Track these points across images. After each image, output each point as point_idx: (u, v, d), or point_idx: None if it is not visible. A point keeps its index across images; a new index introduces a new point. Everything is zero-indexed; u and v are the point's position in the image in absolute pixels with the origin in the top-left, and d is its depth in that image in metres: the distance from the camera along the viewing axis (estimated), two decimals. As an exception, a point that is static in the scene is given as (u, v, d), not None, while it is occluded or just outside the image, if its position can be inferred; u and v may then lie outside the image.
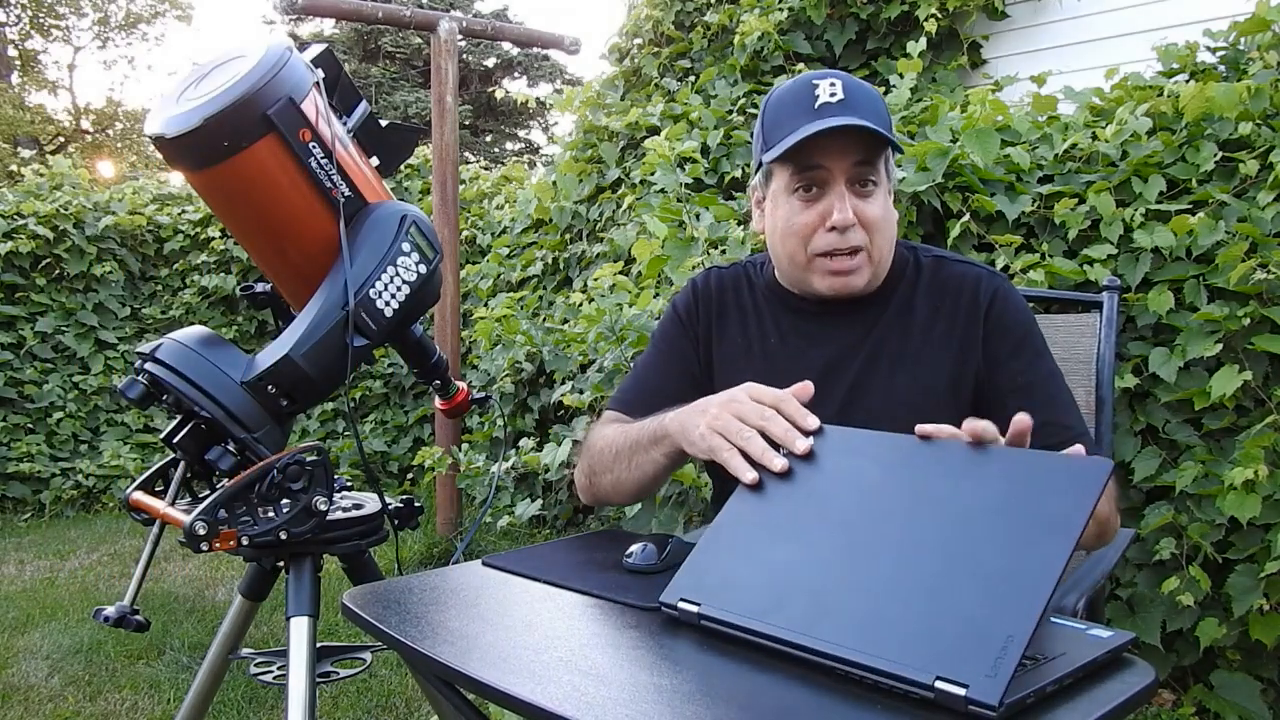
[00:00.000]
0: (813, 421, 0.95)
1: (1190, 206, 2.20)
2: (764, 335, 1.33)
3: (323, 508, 1.28)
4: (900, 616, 0.80)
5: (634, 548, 1.10)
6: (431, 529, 4.05)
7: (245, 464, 1.26)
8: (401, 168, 4.47)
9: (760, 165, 1.28)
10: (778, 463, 0.94)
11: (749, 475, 0.95)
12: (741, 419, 1.00)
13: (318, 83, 1.30)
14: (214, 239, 5.59)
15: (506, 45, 16.75)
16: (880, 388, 1.26)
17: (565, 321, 3.54)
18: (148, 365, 1.27)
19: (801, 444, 0.94)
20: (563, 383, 3.10)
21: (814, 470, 0.95)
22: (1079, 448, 0.89)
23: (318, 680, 1.36)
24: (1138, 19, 3.91)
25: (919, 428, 0.92)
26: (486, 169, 6.57)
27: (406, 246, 1.34)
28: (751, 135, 1.36)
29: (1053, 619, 0.89)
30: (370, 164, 1.41)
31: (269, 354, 1.27)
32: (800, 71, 3.75)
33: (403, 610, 0.97)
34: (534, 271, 4.25)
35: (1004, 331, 1.25)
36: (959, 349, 1.25)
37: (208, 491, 1.33)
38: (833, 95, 1.19)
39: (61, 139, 19.65)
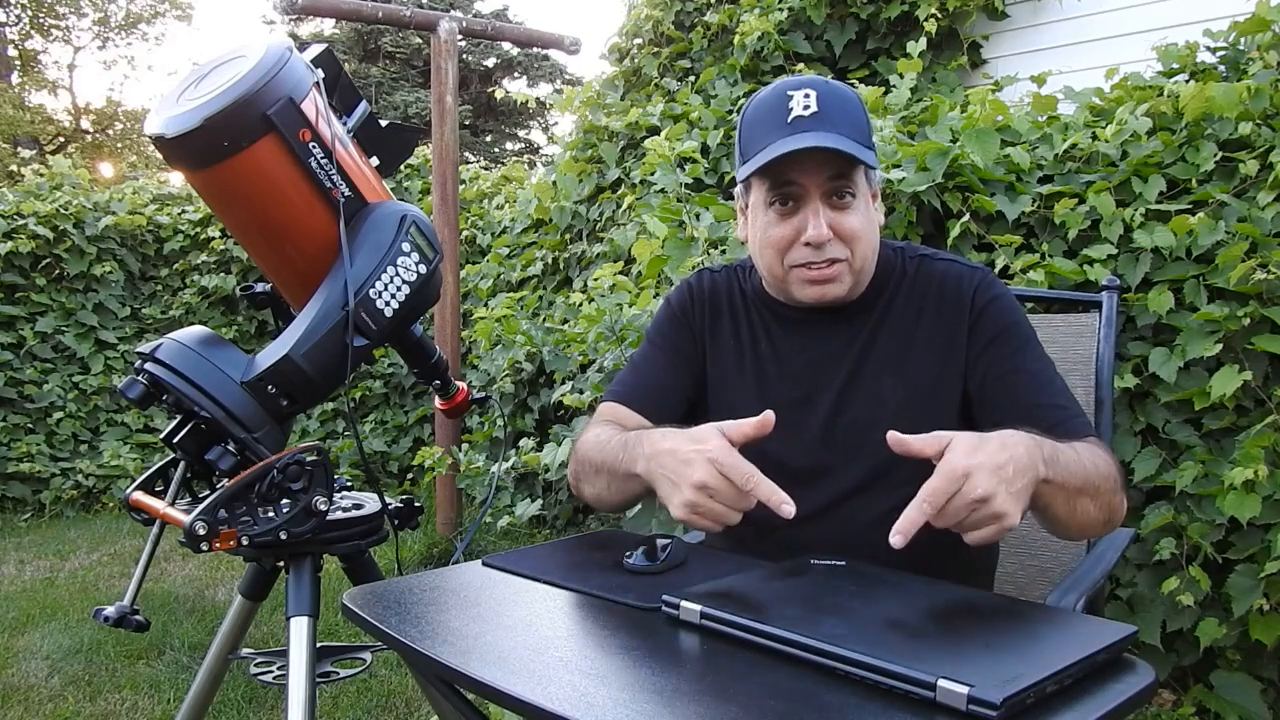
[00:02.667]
0: (787, 509, 0.96)
1: (1190, 206, 2.20)
2: (754, 341, 1.33)
3: (323, 508, 1.28)
4: (906, 630, 0.83)
5: (635, 548, 1.11)
6: (431, 529, 4.05)
7: (245, 464, 1.26)
8: (401, 168, 4.47)
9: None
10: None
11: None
12: (724, 504, 0.98)
13: (318, 83, 1.30)
14: (214, 239, 5.59)
15: (506, 45, 16.75)
16: (867, 392, 1.26)
17: (565, 321, 3.54)
18: (148, 365, 1.27)
19: (787, 509, 0.96)
20: (563, 383, 3.10)
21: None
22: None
23: (318, 680, 1.36)
24: (1138, 19, 3.91)
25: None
26: (486, 169, 6.57)
27: (406, 246, 1.34)
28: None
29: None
30: (370, 164, 1.41)
31: (269, 354, 1.27)
32: (800, 72, 3.76)
33: (403, 610, 0.97)
34: (534, 271, 4.25)
35: (988, 325, 1.24)
36: (944, 349, 1.25)
37: (208, 491, 1.33)
38: (806, 108, 1.18)
39: (61, 139, 19.63)
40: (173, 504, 1.29)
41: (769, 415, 1.00)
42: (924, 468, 1.24)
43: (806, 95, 1.19)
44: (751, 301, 1.36)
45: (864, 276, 1.26)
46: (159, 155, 1.28)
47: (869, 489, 1.24)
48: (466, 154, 17.63)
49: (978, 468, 0.90)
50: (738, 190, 1.32)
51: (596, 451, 1.21)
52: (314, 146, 1.26)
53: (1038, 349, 1.25)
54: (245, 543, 1.23)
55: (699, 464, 0.98)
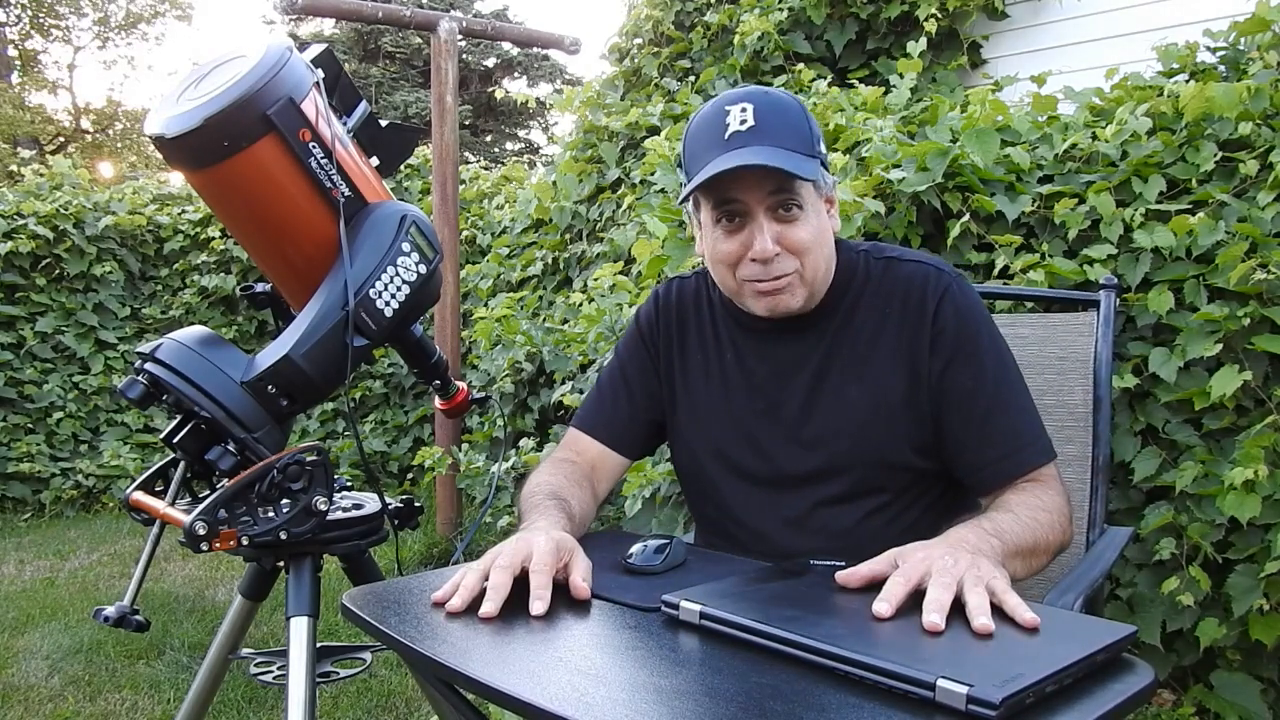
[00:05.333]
0: (538, 606, 0.95)
1: (1190, 206, 2.20)
2: (720, 350, 1.34)
3: (323, 508, 1.28)
4: (905, 630, 0.83)
5: (635, 548, 1.11)
6: (431, 529, 4.05)
7: (245, 464, 1.26)
8: (401, 168, 4.47)
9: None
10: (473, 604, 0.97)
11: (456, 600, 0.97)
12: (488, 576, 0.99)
13: (318, 83, 1.30)
14: (214, 239, 5.59)
15: (506, 45, 16.75)
16: (832, 401, 1.25)
17: (565, 321, 3.54)
18: (148, 365, 1.27)
19: (538, 606, 0.95)
20: (563, 383, 3.10)
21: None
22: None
23: (318, 680, 1.36)
24: (1138, 19, 3.91)
25: (839, 576, 0.94)
26: (486, 169, 6.56)
27: (406, 246, 1.34)
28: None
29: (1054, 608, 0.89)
30: (370, 164, 1.40)
31: (269, 354, 1.27)
32: (799, 71, 3.76)
33: (403, 610, 0.97)
34: (534, 271, 4.25)
35: (948, 340, 1.21)
36: (909, 355, 1.22)
37: (208, 491, 1.33)
38: (743, 123, 1.16)
39: (61, 139, 19.64)
40: (173, 504, 1.29)
41: (584, 589, 1.00)
42: (895, 475, 1.24)
43: (743, 109, 1.17)
44: (717, 310, 1.36)
45: (818, 286, 1.24)
46: (159, 155, 1.28)
47: (840, 498, 1.24)
48: (466, 154, 17.62)
49: (929, 546, 0.93)
50: (689, 208, 1.29)
51: (525, 498, 1.24)
52: (314, 146, 1.26)
53: (1000, 362, 1.23)
54: (245, 543, 1.23)
55: (517, 543, 1.02)
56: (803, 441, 1.26)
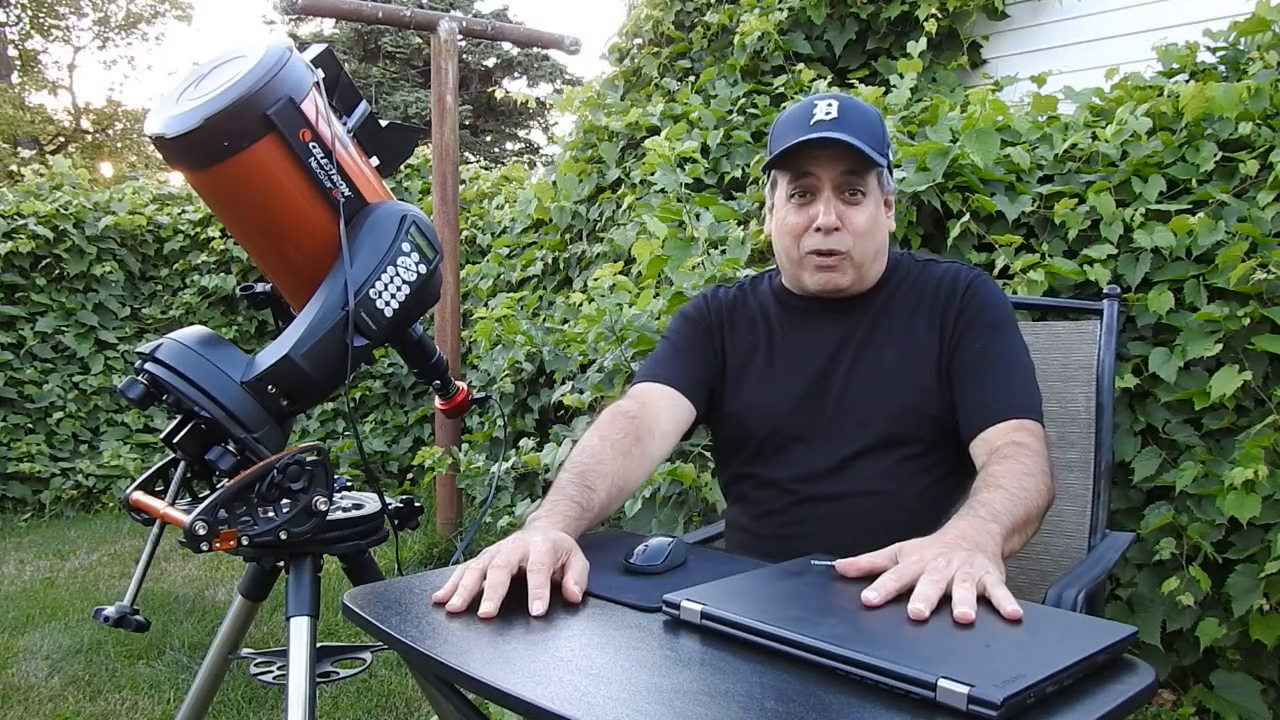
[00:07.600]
0: (538, 606, 0.94)
1: (1190, 206, 2.20)
2: (770, 331, 1.46)
3: (323, 508, 1.28)
4: (906, 630, 0.83)
5: (636, 548, 1.11)
6: (431, 529, 4.05)
7: (245, 464, 1.26)
8: (401, 168, 4.47)
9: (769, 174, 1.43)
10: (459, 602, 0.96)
11: (456, 599, 0.96)
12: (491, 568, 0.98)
13: (318, 83, 1.30)
14: (214, 239, 5.59)
15: (506, 45, 16.76)
16: (872, 365, 1.39)
17: (565, 321, 3.54)
18: (148, 365, 1.27)
19: (538, 606, 0.95)
20: (563, 383, 3.10)
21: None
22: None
23: (318, 680, 1.36)
24: (1138, 19, 3.91)
25: (839, 564, 0.98)
26: (486, 169, 6.56)
27: (406, 246, 1.34)
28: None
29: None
30: (370, 164, 1.40)
31: (269, 354, 1.27)
32: (799, 71, 3.76)
33: (403, 610, 0.97)
34: (534, 271, 4.25)
35: (974, 309, 1.37)
36: (940, 329, 1.38)
37: (208, 491, 1.33)
38: (828, 114, 1.33)
39: (61, 139, 19.64)
40: (173, 504, 1.29)
41: (576, 594, 0.99)
42: (924, 425, 1.35)
43: (829, 104, 1.34)
44: (764, 296, 1.50)
45: (866, 271, 1.39)
46: (159, 155, 1.28)
47: (873, 446, 1.36)
48: (466, 154, 17.62)
49: (927, 546, 0.96)
50: (766, 190, 1.47)
51: (563, 469, 1.23)
52: (314, 146, 1.26)
53: (1012, 343, 1.37)
54: (245, 543, 1.23)
55: (514, 543, 1.01)
56: (844, 399, 1.39)
